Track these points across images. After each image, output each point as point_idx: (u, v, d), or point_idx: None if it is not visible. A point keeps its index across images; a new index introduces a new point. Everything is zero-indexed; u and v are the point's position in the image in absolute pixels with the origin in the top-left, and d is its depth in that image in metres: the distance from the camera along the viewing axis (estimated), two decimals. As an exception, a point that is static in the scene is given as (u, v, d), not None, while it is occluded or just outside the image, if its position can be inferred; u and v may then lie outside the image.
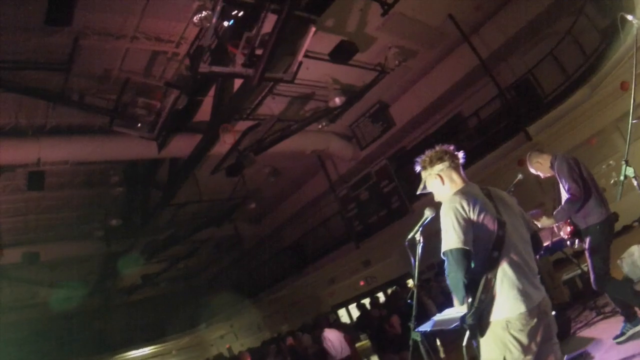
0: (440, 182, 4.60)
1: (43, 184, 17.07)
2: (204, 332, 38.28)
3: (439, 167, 4.60)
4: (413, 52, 18.27)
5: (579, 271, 10.39)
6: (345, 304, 27.19)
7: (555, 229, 8.63)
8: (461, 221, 4.12)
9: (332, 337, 14.56)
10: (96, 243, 25.14)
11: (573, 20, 15.89)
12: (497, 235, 4.17)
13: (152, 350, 36.97)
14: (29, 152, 15.28)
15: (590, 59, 15.34)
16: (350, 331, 17.84)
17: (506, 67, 19.03)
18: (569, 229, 7.85)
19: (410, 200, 20.62)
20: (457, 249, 4.06)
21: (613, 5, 13.81)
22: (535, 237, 4.66)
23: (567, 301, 11.06)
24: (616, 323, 7.77)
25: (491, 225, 4.18)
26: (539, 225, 7.32)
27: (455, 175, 4.59)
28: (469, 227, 4.11)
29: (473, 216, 4.16)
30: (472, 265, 4.11)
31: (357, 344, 20.80)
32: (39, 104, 14.76)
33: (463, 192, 4.39)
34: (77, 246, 25.05)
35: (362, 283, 25.36)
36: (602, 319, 8.96)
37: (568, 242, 8.92)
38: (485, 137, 18.72)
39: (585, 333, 8.71)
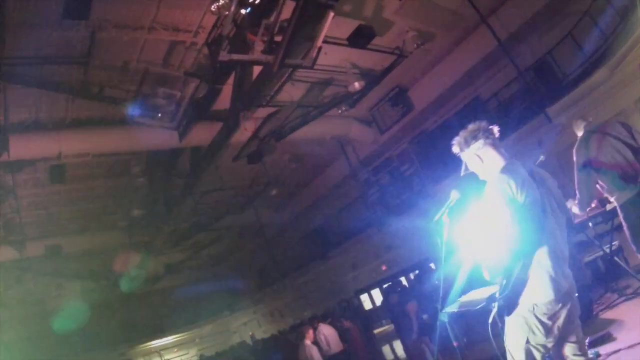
0: (479, 160, 4.61)
1: (65, 177, 17.21)
2: (227, 319, 38.56)
3: (475, 146, 4.60)
4: (431, 35, 18.17)
5: (601, 253, 10.37)
6: (367, 289, 27.23)
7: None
8: (509, 202, 4.17)
9: (327, 332, 14.73)
10: (119, 234, 25.33)
11: (591, 0, 15.77)
12: (538, 220, 4.21)
13: (175, 339, 37.28)
14: (49, 145, 15.44)
15: (608, 39, 15.22)
16: (359, 321, 17.92)
17: (525, 49, 18.88)
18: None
19: (432, 183, 20.59)
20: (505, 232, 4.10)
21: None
22: (568, 219, 4.67)
23: (588, 283, 11.07)
24: (638, 304, 7.79)
25: (534, 208, 4.22)
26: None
27: (492, 152, 4.59)
28: (516, 209, 4.14)
29: (520, 198, 4.19)
30: None
31: (379, 329, 20.97)
32: (58, 97, 14.88)
33: (510, 171, 4.40)
34: (99, 237, 25.26)
35: (384, 267, 25.38)
36: (624, 301, 8.98)
37: (590, 224, 8.97)
38: (505, 119, 18.65)
39: (608, 315, 8.73)
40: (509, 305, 4.26)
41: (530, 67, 18.12)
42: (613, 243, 9.92)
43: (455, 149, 4.77)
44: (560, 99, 15.97)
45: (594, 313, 8.95)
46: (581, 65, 16.15)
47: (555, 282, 4.15)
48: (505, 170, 4.43)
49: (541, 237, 4.19)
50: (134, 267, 27.34)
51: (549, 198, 4.45)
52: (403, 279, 22.41)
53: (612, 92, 15.08)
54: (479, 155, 4.61)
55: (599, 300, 9.71)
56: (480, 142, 4.58)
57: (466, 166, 4.79)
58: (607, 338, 7.41)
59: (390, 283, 21.08)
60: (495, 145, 4.61)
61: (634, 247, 7.37)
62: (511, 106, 18.55)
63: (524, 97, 18.06)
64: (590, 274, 11.25)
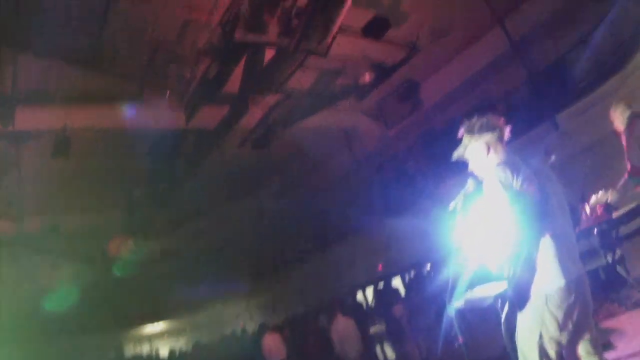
0: (486, 151, 4.57)
1: (68, 152, 17.13)
2: (219, 309, 38.56)
3: (488, 136, 4.58)
4: (446, 32, 18.13)
5: (604, 262, 10.32)
6: (362, 286, 27.24)
7: (584, 216, 8.61)
8: (507, 189, 4.13)
9: (271, 342, 14.98)
10: (118, 214, 25.27)
11: (608, 8, 15.71)
12: (540, 207, 4.16)
13: (166, 326, 37.41)
14: (56, 117, 15.38)
15: (623, 48, 15.18)
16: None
17: (538, 52, 18.83)
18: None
19: (435, 183, 20.54)
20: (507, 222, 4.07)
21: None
22: (574, 212, 4.69)
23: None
24: (639, 315, 7.79)
25: (535, 196, 4.17)
26: (609, 201, 7.44)
27: (500, 148, 4.58)
28: (515, 195, 4.10)
29: (516, 184, 4.17)
30: None
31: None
32: (69, 69, 14.80)
33: (507, 163, 4.39)
34: (98, 217, 25.20)
35: (380, 266, 25.37)
36: (624, 311, 8.94)
37: (595, 230, 8.93)
38: (513, 122, 18.55)
39: (608, 324, 8.70)
40: (521, 298, 4.24)
41: (542, 71, 18.07)
42: (615, 253, 9.88)
43: (464, 130, 4.75)
44: (569, 106, 15.94)
45: (595, 322, 8.90)
46: (594, 73, 16.10)
47: (564, 267, 4.14)
48: (502, 162, 4.45)
49: (544, 224, 4.17)
50: (129, 251, 27.35)
51: (551, 185, 4.46)
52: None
53: (624, 101, 15.05)
54: (488, 146, 4.59)
55: (600, 309, 9.66)
56: (495, 135, 4.59)
57: (463, 150, 4.75)
58: (608, 346, 7.37)
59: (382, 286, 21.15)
60: (503, 143, 4.64)
61: None
62: (520, 110, 18.54)
63: (533, 101, 18.03)
64: (591, 284, 11.19)
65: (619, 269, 9.78)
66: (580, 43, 16.43)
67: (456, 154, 4.81)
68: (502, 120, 4.71)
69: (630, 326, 7.84)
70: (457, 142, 4.81)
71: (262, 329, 16.30)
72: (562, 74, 17.33)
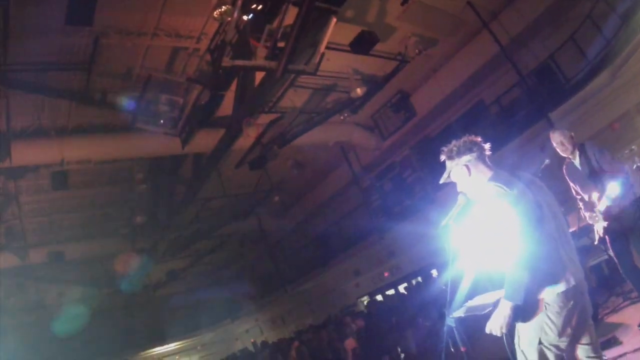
0: (467, 172, 4.62)
1: (67, 184, 17.17)
2: (229, 326, 38.36)
3: (467, 157, 4.63)
4: (433, 41, 18.15)
5: (606, 257, 10.32)
6: (370, 296, 27.16)
7: (582, 214, 8.61)
8: (502, 205, 4.17)
9: None
10: (121, 240, 25.27)
11: (592, 4, 15.74)
12: (535, 216, 4.16)
13: (177, 346, 37.13)
14: (52, 152, 15.37)
15: (610, 42, 15.19)
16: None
17: (527, 53, 18.84)
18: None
19: (434, 189, 20.52)
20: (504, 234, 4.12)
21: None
22: (566, 217, 4.71)
23: (593, 287, 11.01)
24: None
25: (529, 207, 4.17)
26: (601, 209, 7.40)
27: (482, 166, 4.62)
28: (510, 210, 4.12)
29: (512, 199, 4.17)
30: None
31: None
32: (61, 104, 14.88)
33: (499, 177, 4.46)
34: (102, 244, 25.18)
35: (386, 274, 25.31)
36: (629, 305, 8.93)
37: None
38: (508, 124, 18.60)
39: (613, 319, 8.70)
40: (525, 307, 4.21)
41: (533, 71, 18.07)
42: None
43: (444, 155, 4.81)
44: (562, 103, 15.93)
45: (599, 317, 8.91)
46: (583, 69, 16.12)
47: (566, 273, 4.16)
48: (493, 178, 4.50)
49: (541, 232, 4.14)
50: (136, 269, 27.29)
51: (542, 195, 4.52)
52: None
53: (614, 95, 15.05)
54: (468, 167, 4.64)
55: (604, 304, 9.67)
56: (473, 155, 4.64)
57: (449, 175, 4.81)
58: (613, 342, 7.38)
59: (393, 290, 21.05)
60: (485, 160, 4.67)
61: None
62: (513, 111, 18.54)
63: (526, 101, 18.03)
64: (595, 278, 11.21)
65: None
66: (568, 41, 16.42)
67: (442, 179, 4.89)
68: (479, 139, 4.72)
69: (635, 320, 7.81)
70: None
71: (263, 347, 16.29)
72: (552, 72, 17.34)
